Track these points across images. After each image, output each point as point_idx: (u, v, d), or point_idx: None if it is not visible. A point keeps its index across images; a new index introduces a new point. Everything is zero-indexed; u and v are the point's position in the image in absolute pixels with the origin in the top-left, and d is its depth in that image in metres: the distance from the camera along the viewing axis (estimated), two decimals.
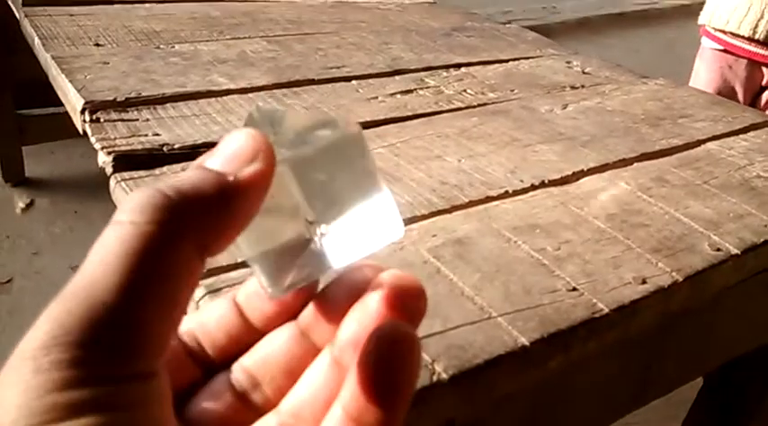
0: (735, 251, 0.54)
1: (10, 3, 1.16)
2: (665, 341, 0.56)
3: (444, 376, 0.40)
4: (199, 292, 0.46)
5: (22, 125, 2.03)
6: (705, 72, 1.33)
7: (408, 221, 0.56)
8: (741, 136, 0.76)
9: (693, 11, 1.40)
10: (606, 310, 0.47)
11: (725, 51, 1.30)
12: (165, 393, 0.18)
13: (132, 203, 0.19)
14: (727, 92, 1.28)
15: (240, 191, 0.20)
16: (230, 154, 0.20)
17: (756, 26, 1.21)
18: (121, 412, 0.17)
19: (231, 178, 0.20)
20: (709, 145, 0.73)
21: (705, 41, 1.35)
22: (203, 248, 0.19)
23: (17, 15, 1.04)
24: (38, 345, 0.17)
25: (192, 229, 0.19)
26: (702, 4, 1.34)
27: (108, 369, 0.17)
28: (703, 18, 1.33)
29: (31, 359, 0.16)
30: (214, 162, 0.20)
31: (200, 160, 0.21)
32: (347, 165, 0.22)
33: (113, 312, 0.17)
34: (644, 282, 0.50)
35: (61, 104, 0.78)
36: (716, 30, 1.29)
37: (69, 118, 0.73)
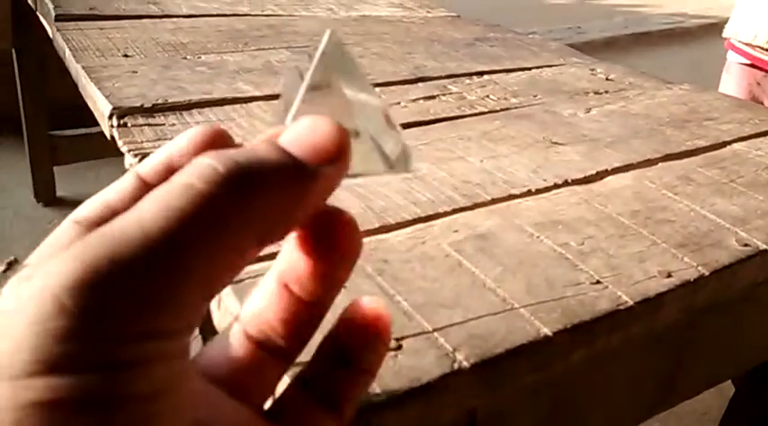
0: (763, 246, 0.53)
1: (43, 21, 1.20)
2: (693, 339, 0.55)
3: (465, 364, 0.40)
4: None
5: (54, 145, 2.07)
6: (732, 87, 1.30)
7: (430, 218, 0.56)
8: None
9: (719, 29, 1.37)
10: (631, 302, 0.46)
11: (752, 66, 1.27)
12: (182, 358, 0.17)
13: (206, 168, 0.17)
14: None
15: (315, 185, 0.19)
16: (311, 141, 0.19)
17: None
18: (128, 372, 0.15)
19: (310, 169, 0.18)
20: (736, 145, 0.72)
21: (731, 56, 1.32)
22: (263, 235, 0.18)
23: (49, 30, 1.07)
24: (65, 284, 0.15)
25: (259, 212, 0.18)
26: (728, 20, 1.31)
27: (128, 324, 0.15)
28: (729, 31, 1.29)
29: (53, 299, 0.15)
30: (291, 143, 0.19)
31: (273, 134, 0.20)
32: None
33: (154, 266, 0.16)
34: (669, 276, 0.49)
35: (91, 125, 0.80)
36: (742, 43, 1.27)
37: (99, 138, 0.75)
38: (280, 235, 0.19)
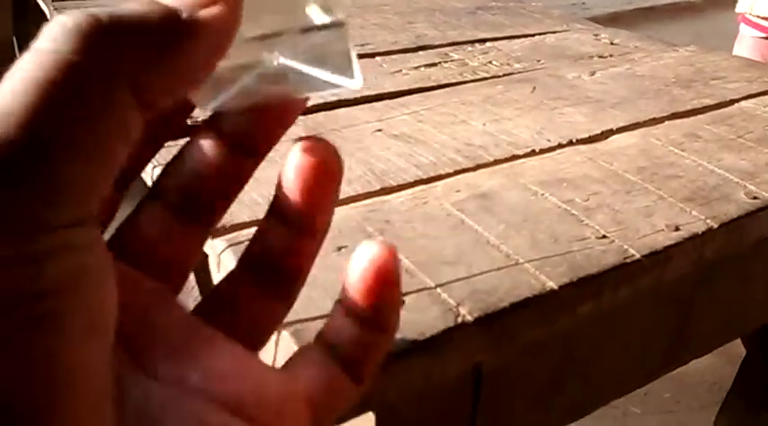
0: None
1: (42, 4, 1.19)
2: (702, 295, 0.54)
3: (469, 318, 0.39)
4: (220, 245, 0.46)
5: None
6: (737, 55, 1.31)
7: (432, 179, 0.55)
8: None
9: (724, 2, 1.38)
10: (638, 256, 0.45)
11: (767, 38, 1.28)
12: (94, 245, 0.15)
13: (57, 28, 0.15)
14: None
15: (194, 33, 0.16)
16: None
17: None
18: (27, 267, 0.14)
19: (184, 15, 0.16)
20: (743, 103, 0.71)
21: (744, 29, 1.33)
22: (143, 94, 0.16)
23: (48, 13, 1.06)
24: None
25: (129, 68, 0.16)
26: None
27: (14, 221, 0.14)
28: (743, 6, 1.31)
29: None
30: None
31: None
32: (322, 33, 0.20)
33: (24, 151, 0.14)
34: (677, 229, 0.48)
35: None
36: (759, 17, 1.28)
37: None
38: (164, 92, 0.17)
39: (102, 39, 0.15)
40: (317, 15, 0.19)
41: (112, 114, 0.15)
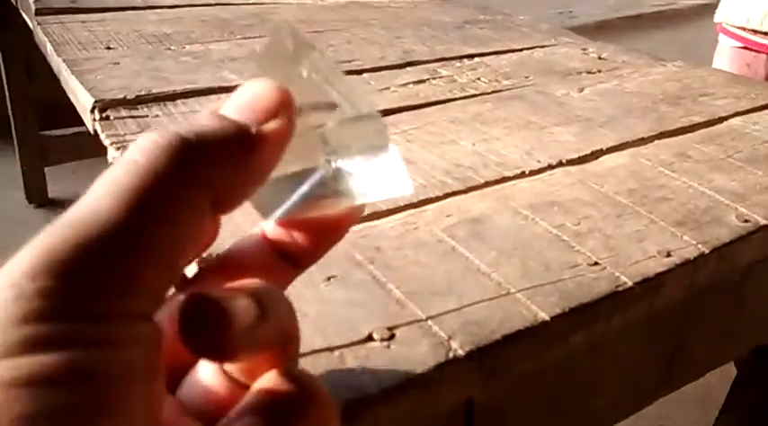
0: (764, 222, 0.52)
1: (25, 16, 1.17)
2: (693, 320, 0.54)
3: (461, 352, 0.39)
4: None
5: (44, 145, 2.04)
6: (724, 69, 1.31)
7: (422, 203, 0.54)
8: (766, 111, 0.73)
9: (712, 10, 1.38)
10: (630, 283, 0.45)
11: (745, 48, 1.28)
12: (153, 341, 0.17)
13: (147, 142, 0.17)
14: None
15: (262, 146, 0.19)
16: (250, 104, 0.19)
17: None
18: (99, 350, 0.15)
19: (253, 130, 0.19)
20: (733, 121, 0.71)
21: (723, 39, 1.33)
22: (217, 202, 0.18)
23: (31, 25, 1.05)
24: (24, 271, 0.15)
25: (208, 179, 0.18)
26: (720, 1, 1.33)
27: (95, 305, 0.15)
28: (720, 16, 1.31)
29: (14, 286, 0.15)
30: (232, 111, 0.19)
31: (214, 107, 0.20)
32: (359, 124, 0.22)
33: (111, 246, 0.16)
34: (669, 255, 0.48)
35: (81, 124, 0.77)
36: (735, 27, 1.28)
37: (89, 137, 0.72)
38: (236, 200, 0.19)
39: (187, 157, 0.17)
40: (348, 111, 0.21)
41: (192, 221, 0.17)
